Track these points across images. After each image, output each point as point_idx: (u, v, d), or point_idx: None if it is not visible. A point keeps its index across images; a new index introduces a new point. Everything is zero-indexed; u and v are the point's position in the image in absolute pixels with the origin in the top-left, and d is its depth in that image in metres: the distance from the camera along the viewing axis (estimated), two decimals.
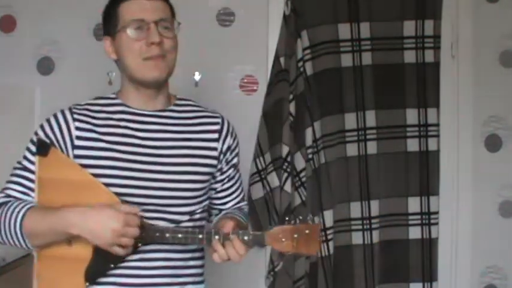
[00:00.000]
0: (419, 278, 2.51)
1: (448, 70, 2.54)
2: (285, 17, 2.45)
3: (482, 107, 2.55)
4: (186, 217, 1.51)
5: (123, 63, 1.49)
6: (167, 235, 1.39)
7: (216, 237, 1.37)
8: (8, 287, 2.31)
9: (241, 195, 1.70)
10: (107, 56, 1.53)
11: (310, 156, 2.43)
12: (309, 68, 2.46)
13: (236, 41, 2.53)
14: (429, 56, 2.49)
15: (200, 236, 1.39)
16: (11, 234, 1.43)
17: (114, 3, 1.49)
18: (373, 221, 2.49)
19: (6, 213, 1.43)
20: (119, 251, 1.38)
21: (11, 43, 2.56)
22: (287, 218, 1.40)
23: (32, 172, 1.46)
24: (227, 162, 1.60)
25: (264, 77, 2.51)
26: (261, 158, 2.44)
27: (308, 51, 2.46)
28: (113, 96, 1.55)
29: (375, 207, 2.49)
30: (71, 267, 1.43)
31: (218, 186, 1.62)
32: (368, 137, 2.49)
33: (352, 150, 2.49)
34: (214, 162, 1.56)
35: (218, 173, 1.59)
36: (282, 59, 2.43)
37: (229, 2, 2.53)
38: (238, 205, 1.68)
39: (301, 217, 1.39)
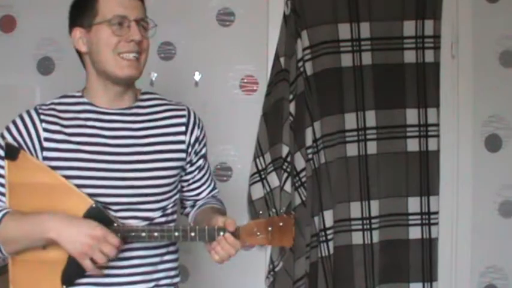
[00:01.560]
0: (419, 278, 2.51)
1: (448, 70, 2.53)
2: (285, 17, 2.45)
3: (482, 107, 2.55)
4: (159, 213, 1.51)
5: (94, 57, 1.47)
6: (143, 234, 1.40)
7: (221, 234, 1.38)
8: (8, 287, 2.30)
9: (212, 184, 1.70)
10: (78, 47, 1.50)
11: (310, 156, 2.43)
12: (309, 68, 2.46)
13: (236, 41, 2.53)
14: (429, 56, 2.49)
15: (176, 234, 1.39)
16: None
17: None
18: (373, 221, 2.49)
19: None
20: (89, 265, 1.36)
21: (11, 43, 2.56)
22: (261, 212, 1.41)
23: (2, 176, 1.44)
24: (196, 154, 1.59)
25: (264, 77, 2.51)
26: (261, 158, 2.44)
27: (308, 51, 2.46)
28: (78, 94, 1.53)
29: (375, 207, 2.49)
30: (47, 271, 1.42)
31: (189, 177, 1.62)
32: (368, 137, 2.49)
33: (352, 150, 2.49)
34: (183, 155, 1.55)
35: (188, 165, 1.59)
36: (282, 59, 2.43)
37: (229, 2, 2.53)
38: (211, 193, 1.69)
39: (274, 210, 1.42)
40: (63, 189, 1.41)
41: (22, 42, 2.55)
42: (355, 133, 2.49)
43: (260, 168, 2.44)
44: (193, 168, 1.61)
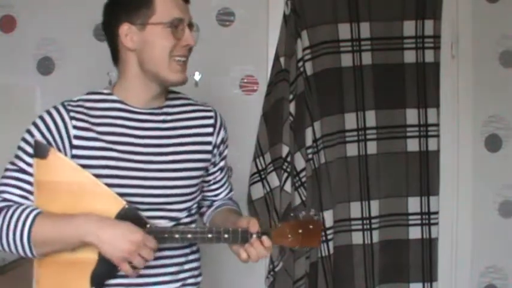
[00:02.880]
0: (419, 278, 2.51)
1: (448, 70, 2.54)
2: (285, 17, 2.45)
3: (482, 107, 2.56)
4: (185, 213, 1.50)
5: (145, 56, 1.43)
6: (177, 236, 1.38)
7: (254, 236, 1.38)
8: (8, 287, 2.30)
9: (230, 186, 1.71)
10: (124, 43, 1.43)
11: (310, 156, 2.43)
12: (309, 68, 2.46)
13: (236, 41, 2.53)
14: (429, 56, 2.49)
15: (210, 235, 1.38)
16: (15, 241, 1.35)
17: None
18: (373, 221, 2.49)
19: (10, 219, 1.36)
20: (127, 269, 1.34)
21: (11, 43, 2.56)
22: (291, 214, 1.42)
23: (30, 174, 1.39)
24: (220, 155, 1.60)
25: (264, 77, 2.51)
26: (261, 158, 2.44)
27: (308, 51, 2.46)
28: (107, 91, 1.50)
29: (375, 207, 2.49)
30: (75, 272, 1.39)
31: (211, 178, 1.62)
32: (368, 137, 2.49)
33: (352, 150, 2.49)
34: (209, 156, 1.55)
35: (211, 166, 1.59)
36: (282, 59, 2.43)
37: (229, 2, 2.53)
38: (228, 195, 1.70)
39: (303, 212, 1.42)
40: (94, 188, 1.37)
41: (22, 42, 2.55)
42: (355, 133, 2.49)
43: (260, 168, 2.44)
44: (215, 169, 1.61)
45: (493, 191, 2.57)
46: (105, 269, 1.37)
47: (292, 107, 2.41)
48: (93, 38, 2.54)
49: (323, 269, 2.44)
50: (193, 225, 1.53)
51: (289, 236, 1.40)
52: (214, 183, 1.64)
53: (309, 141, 2.43)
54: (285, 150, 2.38)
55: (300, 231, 1.40)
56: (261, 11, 2.52)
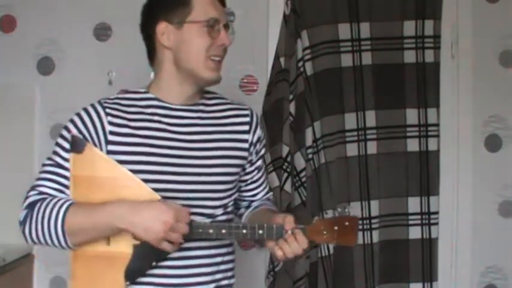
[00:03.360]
0: (419, 278, 2.51)
1: (448, 70, 2.54)
2: (285, 17, 2.45)
3: (482, 107, 2.55)
4: (220, 210, 1.51)
5: (181, 55, 1.46)
6: (211, 231, 1.38)
7: (289, 232, 1.38)
8: (8, 287, 2.31)
9: (268, 186, 1.71)
10: (161, 41, 1.46)
11: (310, 156, 2.43)
12: (309, 68, 2.46)
13: (236, 41, 2.51)
14: (429, 56, 2.49)
15: (244, 231, 1.39)
16: (49, 232, 1.38)
17: None
18: (373, 221, 2.49)
19: (44, 210, 1.38)
20: (168, 246, 1.35)
21: (11, 43, 2.56)
22: (324, 213, 1.43)
23: (66, 169, 1.42)
24: (256, 153, 1.61)
25: (264, 77, 2.51)
26: None
27: (308, 51, 2.46)
28: (142, 90, 1.53)
29: (375, 207, 2.49)
30: (109, 267, 1.40)
31: (248, 177, 1.63)
32: (368, 137, 2.49)
33: (352, 150, 2.49)
34: (245, 154, 1.56)
35: (248, 165, 1.60)
36: (282, 59, 2.43)
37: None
38: (266, 196, 1.70)
39: (339, 209, 1.42)
40: (129, 183, 1.39)
41: (22, 42, 2.55)
42: (355, 133, 2.49)
43: None
44: (252, 168, 1.62)
45: (493, 191, 2.56)
46: (138, 265, 1.39)
47: (292, 107, 2.41)
48: (93, 38, 2.54)
49: (323, 269, 2.44)
50: (232, 223, 1.52)
51: (324, 232, 1.40)
52: (251, 183, 1.65)
53: (309, 141, 2.43)
54: (285, 150, 2.38)
55: (336, 228, 1.40)
56: (261, 11, 2.52)
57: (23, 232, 1.43)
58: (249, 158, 1.58)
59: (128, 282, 1.40)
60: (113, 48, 2.54)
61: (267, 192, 1.70)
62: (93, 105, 1.46)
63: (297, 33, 2.44)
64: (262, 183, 1.68)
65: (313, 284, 2.44)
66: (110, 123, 1.43)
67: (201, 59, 1.45)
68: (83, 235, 1.38)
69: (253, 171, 1.63)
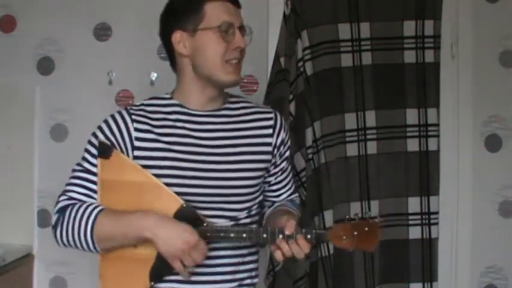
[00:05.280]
0: (419, 278, 2.50)
1: (448, 70, 2.54)
2: (285, 17, 2.45)
3: (482, 107, 2.55)
4: (244, 213, 1.54)
5: (198, 61, 1.49)
6: (232, 235, 1.42)
7: (280, 236, 1.40)
8: (8, 287, 2.31)
9: (293, 187, 1.73)
10: (178, 50, 1.51)
11: (310, 156, 2.43)
12: (309, 68, 2.45)
13: None
14: (429, 56, 2.49)
15: (264, 235, 1.41)
16: (79, 237, 1.44)
17: (199, 0, 1.49)
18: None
19: (75, 216, 1.44)
20: (179, 267, 1.40)
21: (11, 43, 2.56)
22: (347, 216, 1.43)
23: (94, 174, 1.48)
24: (280, 156, 1.63)
25: (264, 77, 2.51)
26: None
27: (308, 51, 2.46)
28: (168, 96, 1.56)
29: (375, 207, 2.49)
30: (136, 268, 1.46)
31: (272, 179, 1.65)
32: (368, 137, 2.49)
33: (352, 150, 2.49)
34: (269, 157, 1.58)
35: (272, 167, 1.62)
36: (282, 59, 2.43)
37: None
38: (290, 197, 1.72)
39: (360, 214, 1.43)
40: (154, 188, 1.44)
41: (22, 42, 2.55)
42: (355, 133, 2.49)
43: None
44: (276, 170, 1.64)
45: (493, 191, 2.56)
46: (162, 266, 1.43)
47: (292, 107, 2.41)
48: (93, 38, 2.54)
49: (323, 269, 2.44)
50: (253, 226, 1.55)
51: (344, 237, 1.42)
52: (275, 184, 1.67)
53: (309, 141, 2.43)
54: None
55: (355, 233, 1.42)
56: (261, 11, 2.52)
57: (55, 236, 1.49)
58: (273, 161, 1.61)
59: (152, 283, 1.45)
60: (113, 48, 2.54)
61: (291, 193, 1.72)
62: (120, 113, 1.51)
63: (297, 33, 2.44)
64: (287, 184, 1.70)
65: (313, 284, 2.43)
66: (136, 129, 1.48)
67: (218, 64, 1.47)
68: (111, 242, 1.44)
69: (276, 172, 1.65)
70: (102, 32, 2.55)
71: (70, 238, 1.45)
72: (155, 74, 2.51)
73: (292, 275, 2.39)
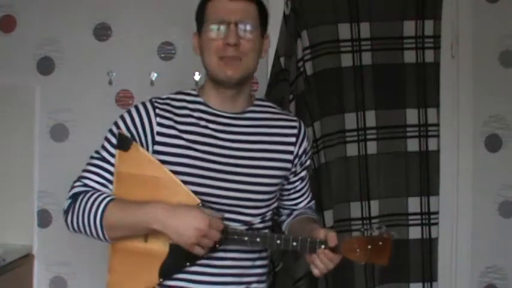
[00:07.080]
0: (419, 278, 2.51)
1: (448, 70, 2.54)
2: (285, 17, 2.45)
3: (482, 107, 2.55)
4: (258, 219, 1.53)
5: (203, 60, 1.51)
6: (246, 238, 1.41)
7: (322, 247, 1.39)
8: (8, 287, 2.31)
9: (310, 195, 1.72)
10: (195, 51, 1.55)
11: None
12: (309, 68, 2.45)
13: None
14: (429, 56, 2.49)
15: (278, 242, 1.41)
16: (89, 224, 1.43)
17: (203, 2, 1.52)
18: (373, 221, 2.49)
19: (86, 202, 1.43)
20: (199, 250, 1.39)
21: (11, 43, 2.56)
22: (361, 229, 1.43)
23: (112, 164, 1.47)
24: (301, 165, 1.62)
25: (264, 77, 2.50)
26: None
27: (308, 51, 2.46)
28: (195, 93, 1.55)
29: (375, 207, 2.49)
30: (146, 263, 1.45)
31: (291, 187, 1.64)
32: (368, 137, 2.49)
33: (352, 150, 2.49)
34: (289, 165, 1.57)
35: (292, 176, 1.62)
36: (282, 59, 2.43)
37: None
38: (308, 204, 1.71)
39: (375, 229, 1.44)
40: (171, 184, 1.43)
41: (22, 42, 2.55)
42: (355, 133, 2.49)
43: None
44: (296, 178, 1.64)
45: (493, 191, 2.57)
46: (173, 263, 1.43)
47: (292, 107, 2.41)
48: (93, 38, 2.54)
49: None
50: (266, 231, 1.54)
51: (358, 250, 1.41)
52: (294, 193, 1.66)
53: None
54: None
55: (369, 247, 1.41)
56: None
57: (66, 221, 1.48)
58: (293, 169, 1.60)
59: (161, 279, 1.44)
60: (113, 48, 2.54)
61: (309, 201, 1.72)
62: (144, 104, 1.49)
63: (297, 33, 2.44)
64: (305, 192, 1.69)
65: (313, 284, 2.43)
66: (159, 124, 1.47)
67: (214, 61, 1.47)
68: (119, 231, 1.42)
69: (296, 181, 1.64)
70: (102, 32, 2.55)
71: (81, 224, 1.44)
72: (155, 74, 2.51)
73: (292, 275, 2.39)
